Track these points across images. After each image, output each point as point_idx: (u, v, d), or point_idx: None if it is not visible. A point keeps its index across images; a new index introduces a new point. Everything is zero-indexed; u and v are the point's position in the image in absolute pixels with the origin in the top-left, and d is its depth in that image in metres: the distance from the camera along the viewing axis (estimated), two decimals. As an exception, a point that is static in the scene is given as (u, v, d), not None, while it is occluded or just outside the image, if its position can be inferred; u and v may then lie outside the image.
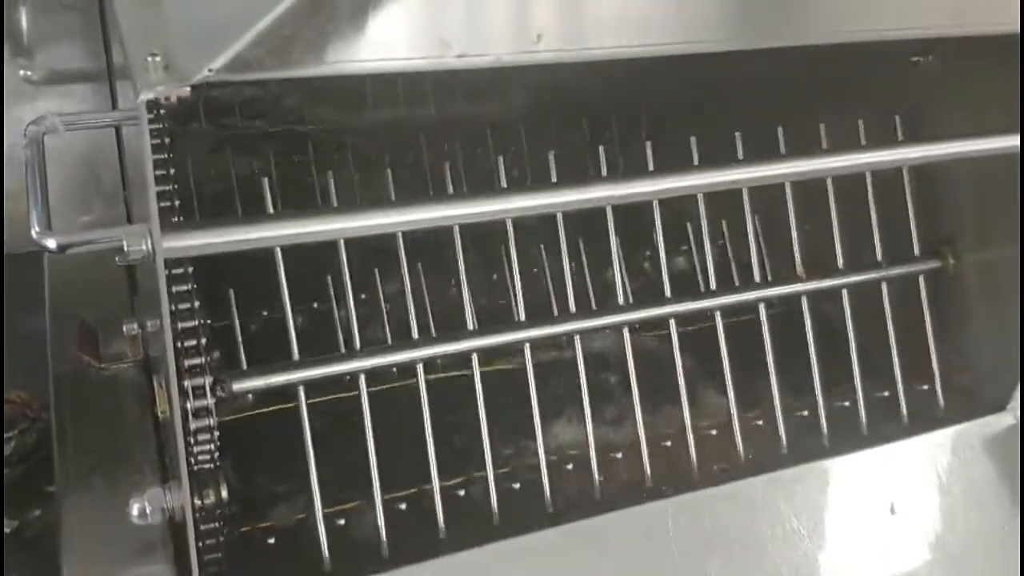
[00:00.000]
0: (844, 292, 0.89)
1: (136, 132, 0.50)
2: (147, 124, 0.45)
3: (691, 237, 0.94)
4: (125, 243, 0.50)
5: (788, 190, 0.86)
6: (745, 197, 0.86)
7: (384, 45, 0.48)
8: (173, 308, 0.57)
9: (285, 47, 0.45)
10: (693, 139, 0.80)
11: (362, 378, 0.73)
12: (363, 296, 0.88)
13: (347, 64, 0.47)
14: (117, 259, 0.82)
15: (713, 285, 0.86)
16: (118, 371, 0.84)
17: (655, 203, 0.81)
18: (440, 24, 0.49)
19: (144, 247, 0.49)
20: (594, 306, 0.91)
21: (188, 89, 0.44)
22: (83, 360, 0.84)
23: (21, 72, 0.81)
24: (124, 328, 0.83)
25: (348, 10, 0.46)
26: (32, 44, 0.80)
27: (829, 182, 0.89)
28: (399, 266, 0.76)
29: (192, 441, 0.63)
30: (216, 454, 0.67)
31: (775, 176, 0.75)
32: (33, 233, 0.55)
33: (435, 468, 0.73)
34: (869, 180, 0.90)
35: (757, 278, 0.88)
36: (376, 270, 0.88)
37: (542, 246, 0.96)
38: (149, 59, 0.45)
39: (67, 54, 0.79)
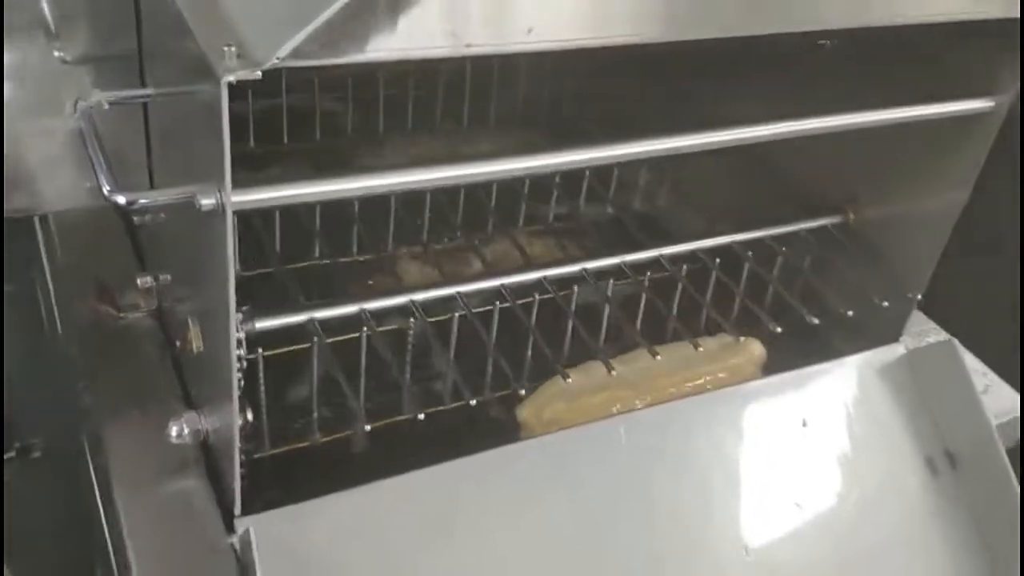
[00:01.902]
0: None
1: (208, 107, 0.60)
2: (226, 101, 0.56)
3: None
4: (199, 198, 0.61)
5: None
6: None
7: (409, 37, 0.60)
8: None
9: (335, 41, 0.57)
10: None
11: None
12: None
13: (381, 53, 0.59)
14: (135, 219, 0.93)
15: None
16: (134, 320, 0.95)
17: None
18: (451, 20, 0.61)
19: (215, 200, 0.60)
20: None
21: (260, 73, 0.56)
22: (100, 311, 0.94)
23: (56, 53, 0.92)
24: (138, 281, 0.93)
25: (383, 10, 0.58)
26: (59, 29, 0.90)
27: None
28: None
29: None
30: (242, 383, 0.79)
31: (706, 144, 0.89)
32: (104, 191, 0.65)
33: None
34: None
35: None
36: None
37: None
38: (226, 49, 0.56)
39: (95, 37, 0.89)
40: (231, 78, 0.56)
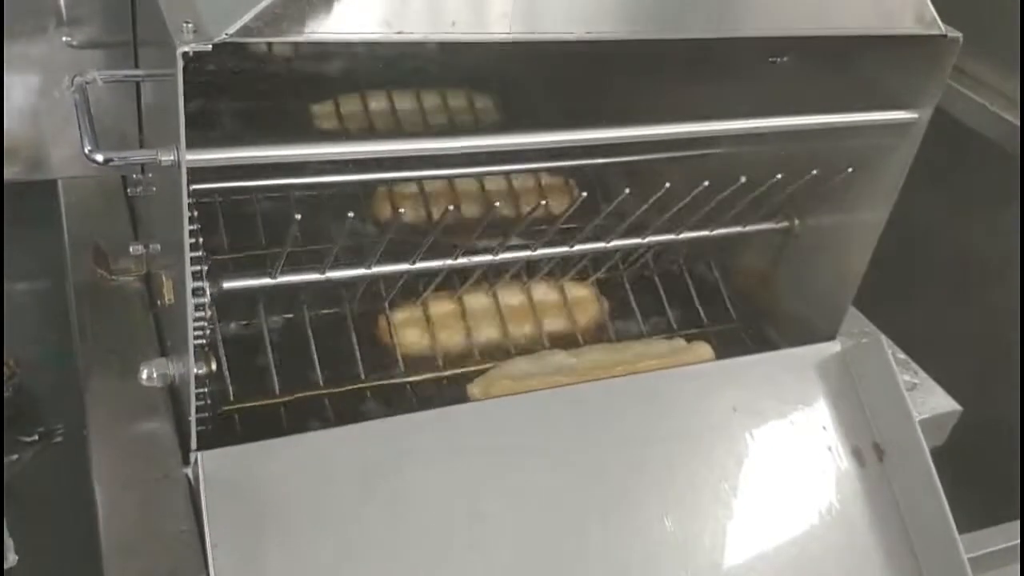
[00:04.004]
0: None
1: (166, 81, 0.71)
2: (181, 69, 0.66)
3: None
4: (159, 156, 0.70)
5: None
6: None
7: (343, 22, 0.69)
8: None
9: (277, 21, 0.66)
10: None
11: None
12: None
13: (318, 35, 0.68)
14: (129, 191, 1.03)
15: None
16: (125, 282, 1.05)
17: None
18: (384, 9, 0.70)
19: (173, 158, 0.70)
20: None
21: (210, 46, 0.66)
22: (98, 273, 1.04)
23: (64, 39, 1.04)
24: (131, 249, 1.03)
25: (320, -2, 0.68)
26: (70, 18, 1.02)
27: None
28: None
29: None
30: (207, 336, 0.88)
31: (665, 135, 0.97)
32: (85, 150, 0.75)
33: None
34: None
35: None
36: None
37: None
38: (184, 25, 0.66)
39: (99, 26, 1.01)
40: (186, 49, 0.65)
